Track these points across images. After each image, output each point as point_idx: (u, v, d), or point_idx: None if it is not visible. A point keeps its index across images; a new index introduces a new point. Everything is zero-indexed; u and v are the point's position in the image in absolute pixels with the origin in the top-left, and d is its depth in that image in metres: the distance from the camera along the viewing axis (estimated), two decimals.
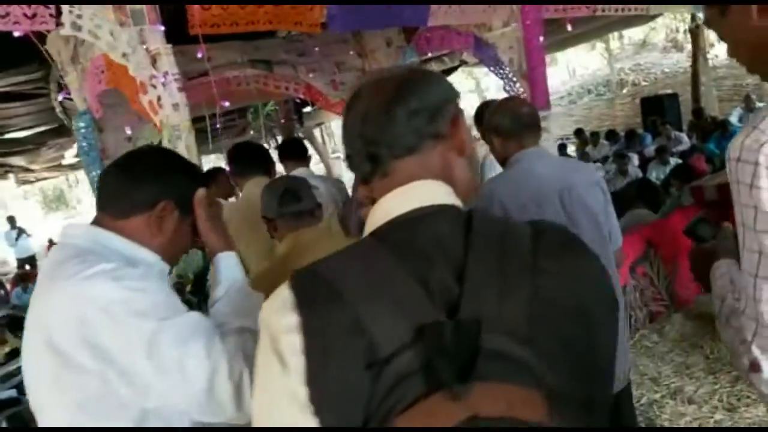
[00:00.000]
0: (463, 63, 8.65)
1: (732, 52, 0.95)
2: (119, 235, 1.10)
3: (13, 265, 12.96)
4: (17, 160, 8.92)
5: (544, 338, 0.68)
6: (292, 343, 0.66)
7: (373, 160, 0.80)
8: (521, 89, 3.85)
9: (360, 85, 0.85)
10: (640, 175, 7.78)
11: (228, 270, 1.18)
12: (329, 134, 14.09)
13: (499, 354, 0.64)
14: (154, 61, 2.37)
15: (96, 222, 1.13)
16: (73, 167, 9.60)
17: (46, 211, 25.04)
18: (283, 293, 0.70)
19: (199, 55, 2.68)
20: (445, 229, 0.73)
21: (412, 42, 4.51)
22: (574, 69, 19.36)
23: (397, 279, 0.68)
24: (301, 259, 1.69)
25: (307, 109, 8.08)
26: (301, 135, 8.36)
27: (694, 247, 1.18)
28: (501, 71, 3.97)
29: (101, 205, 1.15)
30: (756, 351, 0.79)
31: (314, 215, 1.78)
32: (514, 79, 3.87)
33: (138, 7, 2.31)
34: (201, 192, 1.19)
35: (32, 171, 9.73)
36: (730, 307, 0.87)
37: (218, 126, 5.04)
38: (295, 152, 3.45)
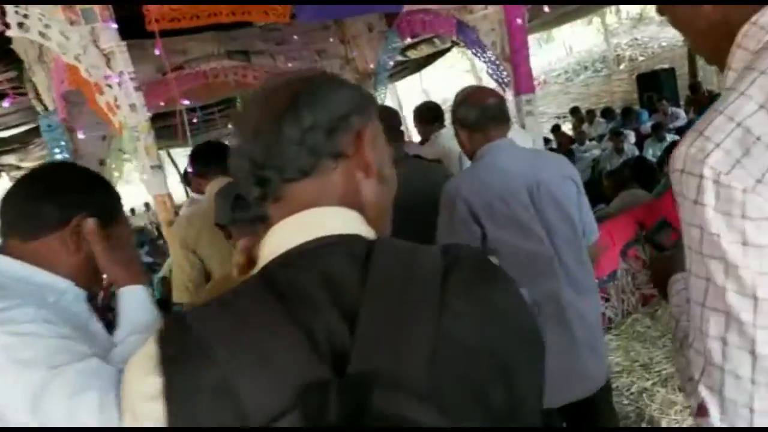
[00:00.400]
0: (456, 44, 8.50)
1: (688, 43, 0.85)
2: (24, 262, 1.01)
3: None
4: (8, 159, 8.86)
5: (450, 390, 0.59)
6: (153, 413, 0.57)
7: (262, 184, 0.70)
8: (504, 72, 3.74)
9: (250, 96, 0.75)
10: (637, 153, 7.65)
11: (130, 310, 1.06)
12: None
13: (393, 416, 0.55)
14: (108, 61, 2.27)
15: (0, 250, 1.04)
16: None
17: None
18: (149, 349, 0.61)
19: (157, 52, 2.56)
20: (340, 266, 0.64)
21: (393, 26, 4.38)
22: (570, 46, 19.08)
23: (277, 331, 0.59)
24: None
25: None
26: None
27: (654, 255, 1.09)
28: (484, 55, 3.85)
29: (6, 230, 1.05)
30: (704, 392, 0.69)
31: (265, 221, 1.69)
32: (497, 62, 3.75)
33: (88, 5, 2.20)
34: (90, 223, 1.07)
35: (23, 169, 9.68)
36: (684, 332, 0.78)
37: (196, 120, 4.97)
38: None
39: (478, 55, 3.82)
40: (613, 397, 2.10)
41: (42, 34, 2.21)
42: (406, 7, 3.26)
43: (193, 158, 2.34)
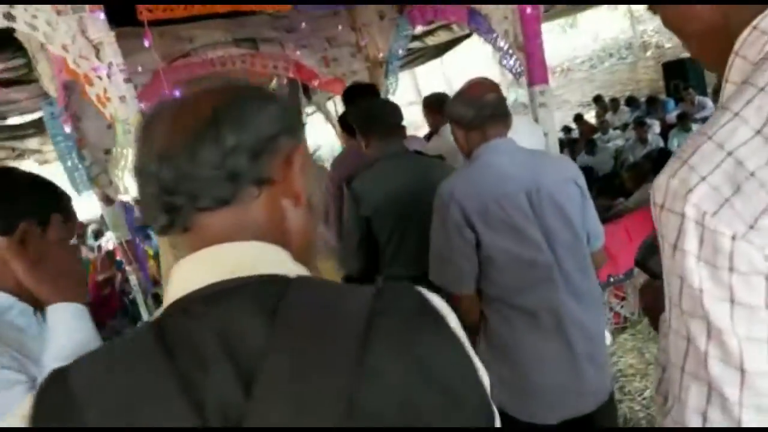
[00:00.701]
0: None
1: (686, 46, 0.73)
2: None
3: None
4: (30, 143, 8.97)
5: None
6: None
7: (170, 212, 0.61)
8: (518, 62, 3.59)
9: (161, 105, 0.65)
10: (661, 143, 7.41)
11: (57, 331, 0.96)
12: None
13: None
14: (97, 52, 2.19)
15: None
16: None
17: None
18: (24, 407, 0.53)
19: (147, 44, 2.48)
20: (244, 315, 0.55)
21: (404, 14, 4.24)
22: (596, 32, 18.61)
23: (160, 395, 0.50)
24: None
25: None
26: (309, 110, 8.13)
27: (644, 283, 0.97)
28: (498, 44, 3.70)
29: None
30: None
31: None
32: (510, 51, 3.60)
33: None
34: (1, 242, 0.98)
35: (44, 153, 9.79)
36: (666, 390, 0.67)
37: None
38: None
39: (491, 43, 3.67)
40: (617, 413, 1.99)
41: (29, 25, 2.14)
42: None
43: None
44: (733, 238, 0.51)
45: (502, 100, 1.70)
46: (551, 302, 1.61)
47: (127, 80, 2.23)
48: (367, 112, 2.31)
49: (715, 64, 0.69)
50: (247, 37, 4.32)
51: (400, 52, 4.53)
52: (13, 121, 7.21)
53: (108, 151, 3.91)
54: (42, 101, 3.57)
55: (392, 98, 4.96)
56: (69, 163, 3.51)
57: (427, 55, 8.67)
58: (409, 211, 2.12)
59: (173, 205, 0.60)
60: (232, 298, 0.56)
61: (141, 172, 0.62)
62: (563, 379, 1.63)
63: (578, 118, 9.92)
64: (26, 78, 5.29)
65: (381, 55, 4.60)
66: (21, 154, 9.69)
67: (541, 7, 3.44)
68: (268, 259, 0.60)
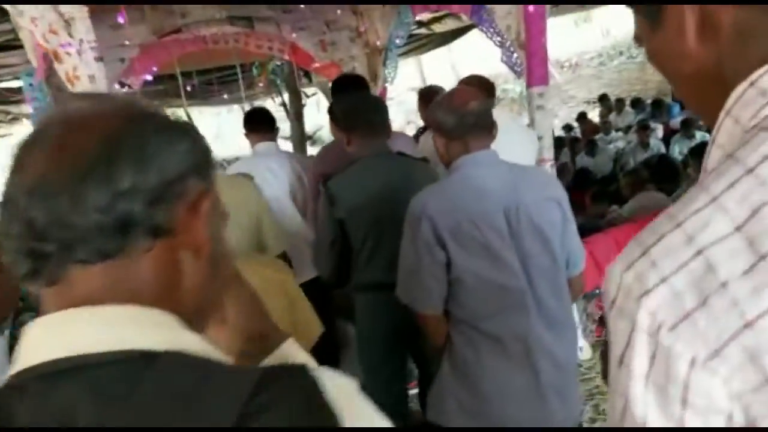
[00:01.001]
0: None
1: (670, 83, 0.62)
2: None
3: None
4: (25, 108, 8.85)
5: None
6: None
7: (36, 259, 0.50)
8: (519, 60, 3.46)
9: (45, 122, 0.53)
10: (663, 149, 7.28)
11: None
12: None
13: None
14: (68, 27, 2.07)
15: None
16: None
17: None
18: None
19: (121, 20, 2.36)
20: (86, 403, 0.45)
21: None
22: (608, 28, 18.34)
23: None
24: None
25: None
26: (308, 92, 7.98)
27: (604, 348, 0.87)
28: (498, 39, 3.57)
29: None
30: None
31: None
32: (512, 48, 3.47)
33: None
34: None
35: None
36: None
37: (191, 87, 4.76)
38: (259, 124, 3.14)
39: (492, 38, 3.54)
40: None
41: None
42: None
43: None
44: (692, 363, 0.40)
45: (487, 109, 1.59)
46: (521, 330, 1.52)
47: (98, 59, 2.11)
48: (350, 108, 2.19)
49: (703, 115, 0.58)
50: (242, 15, 4.17)
51: (398, 41, 4.39)
52: (7, 85, 7.08)
53: None
54: (23, 71, 3.44)
55: (390, 87, 4.84)
56: None
57: (434, 42, 8.50)
58: (385, 215, 2.02)
59: (41, 252, 0.49)
60: (78, 379, 0.46)
61: (5, 204, 0.51)
62: (527, 411, 1.55)
63: (581, 117, 9.75)
64: (18, 43, 5.17)
65: (380, 42, 4.45)
66: (15, 118, 9.58)
67: (547, 6, 3.30)
68: (141, 329, 0.50)
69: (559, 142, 8.43)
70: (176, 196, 0.53)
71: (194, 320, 0.56)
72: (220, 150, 12.53)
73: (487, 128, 1.58)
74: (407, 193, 1.81)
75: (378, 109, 2.16)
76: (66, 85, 2.21)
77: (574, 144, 8.20)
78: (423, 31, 7.91)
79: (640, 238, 0.47)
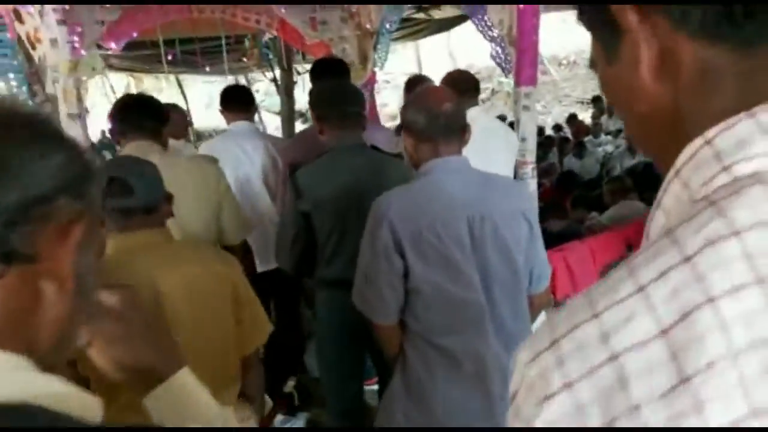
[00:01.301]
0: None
1: (621, 119, 0.54)
2: None
3: None
4: None
5: None
6: None
7: None
8: (509, 57, 3.36)
9: None
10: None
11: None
12: None
13: None
14: None
15: None
16: None
17: None
18: None
19: None
20: None
21: None
22: None
23: None
24: (120, 270, 1.34)
25: None
26: (301, 69, 7.80)
27: None
28: (489, 33, 3.47)
29: None
30: None
31: (151, 213, 1.41)
32: (503, 44, 3.38)
33: None
34: None
35: None
36: None
37: (172, 56, 4.60)
38: (235, 102, 3.02)
39: (482, 32, 3.44)
40: None
41: None
42: None
43: (112, 113, 2.02)
44: None
45: (460, 112, 1.51)
46: (477, 349, 1.45)
47: (61, 22, 1.99)
48: (324, 96, 2.10)
49: (655, 162, 0.49)
50: None
51: (389, 25, 4.27)
52: None
53: (78, 81, 3.65)
54: None
55: (380, 73, 4.72)
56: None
57: (432, 28, 8.36)
58: (352, 211, 1.94)
59: None
60: None
61: None
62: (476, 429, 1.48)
63: (571, 118, 9.69)
64: None
65: (371, 25, 4.33)
66: None
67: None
68: None
69: (548, 141, 8.40)
70: (41, 217, 0.45)
71: (51, 357, 0.48)
72: (211, 120, 12.29)
73: (458, 131, 1.50)
74: (376, 189, 1.72)
75: (353, 98, 2.06)
76: (27, 46, 2.09)
77: (563, 145, 8.15)
78: (421, 15, 7.77)
79: (552, 322, 0.38)
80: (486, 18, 3.42)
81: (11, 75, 3.33)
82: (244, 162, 2.92)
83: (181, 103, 5.88)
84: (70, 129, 2.06)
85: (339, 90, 2.10)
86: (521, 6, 3.03)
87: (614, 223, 4.12)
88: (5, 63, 3.25)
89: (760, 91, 0.38)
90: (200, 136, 10.52)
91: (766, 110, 0.37)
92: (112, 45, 4.04)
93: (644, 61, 0.42)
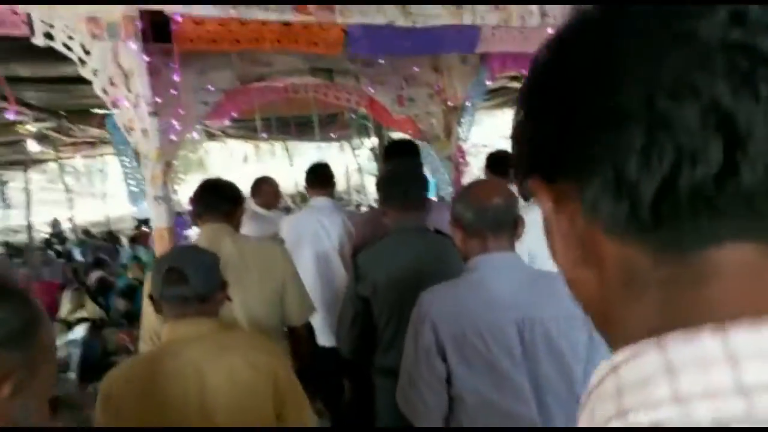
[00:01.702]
0: None
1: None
2: None
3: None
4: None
5: None
6: None
7: None
8: None
9: None
10: None
11: None
12: None
13: None
14: (126, 80, 2.16)
15: None
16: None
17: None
18: None
19: (176, 78, 2.42)
20: None
21: (483, 63, 4.02)
22: None
23: None
24: (171, 359, 1.38)
25: None
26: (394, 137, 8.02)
27: None
28: None
29: None
30: None
31: (206, 301, 1.45)
32: None
33: (114, 17, 2.10)
34: None
35: None
36: None
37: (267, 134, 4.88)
38: (316, 179, 3.14)
39: None
40: None
41: (65, 46, 2.13)
42: (479, 47, 2.90)
43: (192, 197, 2.15)
44: None
45: (511, 206, 1.44)
46: None
47: (152, 113, 2.17)
48: (387, 178, 2.11)
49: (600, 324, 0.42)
50: (323, 67, 4.26)
51: (472, 100, 4.29)
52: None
53: (169, 164, 3.96)
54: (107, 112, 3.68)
55: (464, 145, 4.72)
56: (127, 171, 3.58)
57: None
58: (410, 296, 1.88)
59: None
60: None
61: None
62: None
63: None
64: None
65: (455, 101, 4.38)
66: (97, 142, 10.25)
67: None
68: None
69: None
70: None
71: None
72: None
73: (509, 226, 1.43)
74: (437, 275, 1.67)
75: (416, 181, 2.06)
76: (124, 131, 2.30)
77: None
78: (515, 84, 7.78)
79: None
80: None
81: (121, 147, 3.69)
82: (322, 237, 3.00)
83: (288, 168, 6.19)
84: (156, 209, 2.22)
85: (401, 172, 2.10)
86: None
87: None
88: (121, 141, 3.60)
89: (685, 308, 0.32)
90: (304, 198, 10.99)
91: (680, 341, 0.30)
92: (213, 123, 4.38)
93: (571, 246, 0.37)
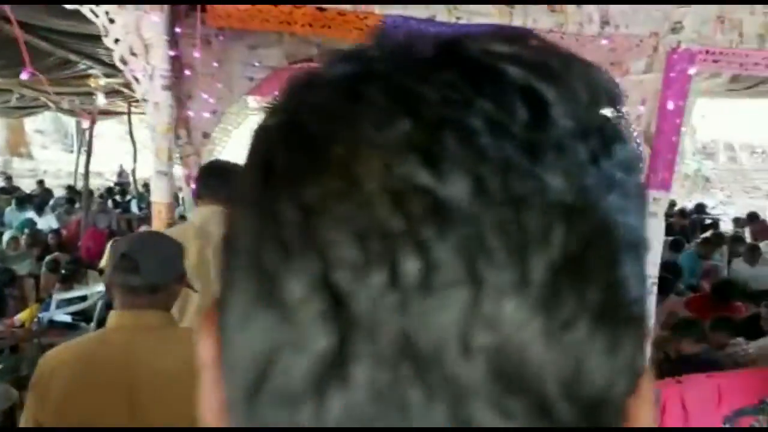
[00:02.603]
0: None
1: None
2: None
3: None
4: None
5: None
6: None
7: None
8: (643, 155, 3.01)
9: None
10: None
11: None
12: None
13: None
14: (147, 51, 2.14)
15: None
16: None
17: None
18: None
19: (196, 55, 2.39)
20: None
21: None
22: None
23: None
24: (106, 347, 1.35)
25: None
26: None
27: None
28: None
29: None
30: None
31: (158, 293, 1.40)
32: (639, 140, 3.04)
33: None
34: None
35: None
36: None
37: None
38: None
39: None
40: None
41: (92, 12, 2.13)
42: None
43: (197, 175, 2.12)
44: None
45: None
46: None
47: (166, 87, 2.15)
48: None
49: None
50: None
51: None
52: None
53: (206, 135, 3.98)
54: None
55: None
56: None
57: None
58: None
59: None
60: None
61: None
62: None
63: (753, 217, 8.36)
64: None
65: None
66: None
67: (688, 100, 2.84)
68: None
69: (717, 239, 7.32)
70: None
71: None
72: None
73: None
74: None
75: None
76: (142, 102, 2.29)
77: (735, 245, 7.10)
78: None
79: None
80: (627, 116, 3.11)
81: None
82: None
83: None
84: (158, 183, 2.21)
85: None
86: (667, 106, 2.71)
87: (761, 357, 3.42)
88: None
89: None
90: None
91: None
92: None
93: None
